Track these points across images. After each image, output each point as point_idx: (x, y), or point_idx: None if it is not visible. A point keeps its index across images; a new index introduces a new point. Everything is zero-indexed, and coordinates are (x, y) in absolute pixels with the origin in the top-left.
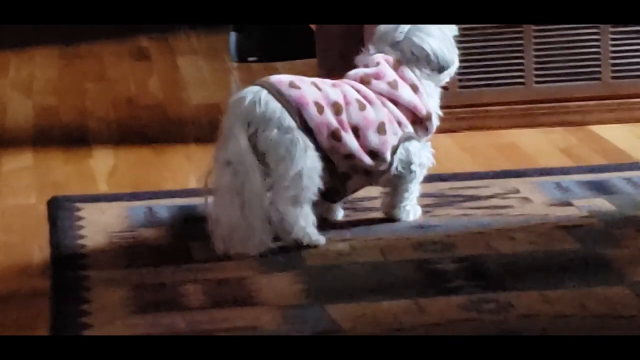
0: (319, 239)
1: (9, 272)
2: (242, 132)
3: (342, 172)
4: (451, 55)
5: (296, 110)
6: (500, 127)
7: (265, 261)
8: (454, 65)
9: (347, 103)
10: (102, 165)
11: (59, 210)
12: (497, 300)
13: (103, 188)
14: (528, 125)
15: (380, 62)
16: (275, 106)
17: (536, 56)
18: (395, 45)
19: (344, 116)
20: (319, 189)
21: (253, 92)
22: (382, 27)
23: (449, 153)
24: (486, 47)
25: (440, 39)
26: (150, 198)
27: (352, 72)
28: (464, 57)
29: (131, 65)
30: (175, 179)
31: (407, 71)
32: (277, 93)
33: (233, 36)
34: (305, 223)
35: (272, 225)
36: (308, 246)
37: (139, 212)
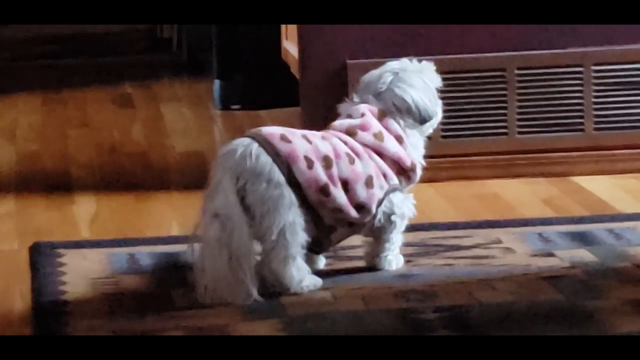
0: (316, 284)
1: None
2: (231, 185)
3: (328, 225)
4: (433, 106)
5: (286, 164)
6: (482, 177)
7: (247, 309)
8: (437, 117)
9: (337, 156)
10: (85, 212)
11: (41, 256)
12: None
13: (85, 234)
14: (510, 176)
15: (365, 112)
16: (265, 160)
17: (519, 107)
18: (378, 96)
19: (334, 170)
20: (305, 241)
21: (244, 145)
22: (366, 77)
23: (432, 203)
24: (469, 97)
25: (423, 90)
26: (132, 245)
27: (337, 123)
28: (447, 106)
29: (114, 112)
30: (158, 226)
31: (391, 122)
32: (268, 146)
33: (217, 84)
34: (300, 276)
35: (266, 282)
36: (292, 294)
37: (121, 259)
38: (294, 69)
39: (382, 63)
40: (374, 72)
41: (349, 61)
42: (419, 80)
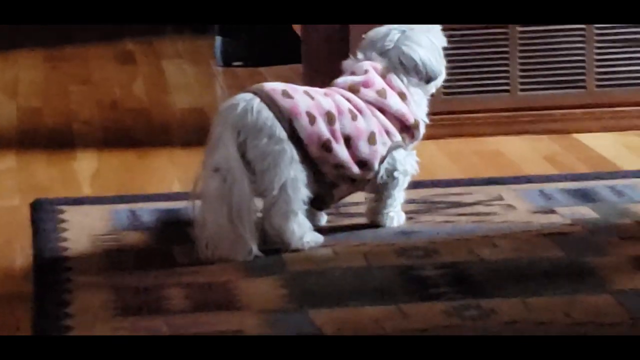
0: (318, 241)
1: None
2: (231, 139)
3: (330, 181)
4: (439, 65)
5: (288, 120)
6: (484, 135)
7: (248, 265)
8: (441, 76)
9: (339, 113)
10: (86, 168)
11: (42, 213)
12: (480, 306)
13: (87, 191)
14: (512, 133)
15: (368, 69)
16: (267, 115)
17: (521, 64)
18: (383, 53)
19: (336, 126)
20: (307, 197)
21: (245, 100)
22: (371, 34)
23: (434, 160)
24: (471, 54)
25: (429, 49)
26: (133, 201)
27: (340, 80)
28: (449, 64)
29: (116, 68)
30: (159, 183)
31: (394, 79)
32: (270, 102)
33: (218, 40)
34: (301, 232)
35: (269, 238)
36: (293, 250)
37: (122, 215)
38: (296, 26)
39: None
40: (380, 30)
41: None
42: (425, 39)
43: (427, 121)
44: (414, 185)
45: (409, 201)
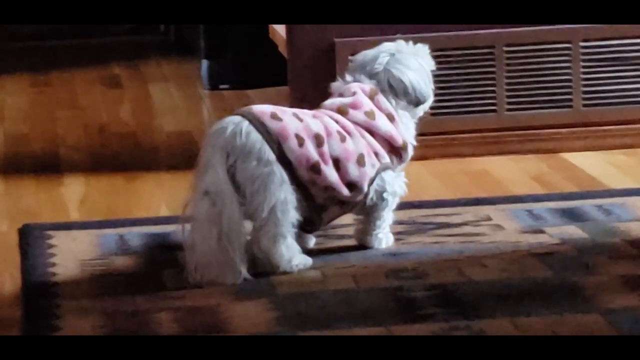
0: (306, 263)
1: None
2: (221, 162)
3: (319, 203)
4: (428, 89)
5: (277, 142)
6: (472, 155)
7: (237, 289)
8: (430, 99)
9: (328, 135)
10: (74, 193)
11: (30, 238)
12: (469, 327)
13: (74, 216)
14: (500, 153)
15: (356, 91)
16: (256, 138)
17: (508, 83)
18: (372, 76)
19: (325, 148)
20: (296, 219)
21: (234, 123)
22: (360, 57)
23: (422, 181)
24: (458, 75)
25: (418, 72)
26: (121, 226)
27: (328, 102)
28: (437, 84)
29: (103, 92)
30: (147, 207)
31: (383, 100)
32: (258, 124)
33: (205, 63)
34: (290, 255)
35: (258, 261)
36: (282, 273)
37: (110, 240)
38: (282, 48)
39: (370, 41)
40: (369, 52)
41: (336, 40)
42: (414, 62)
43: (415, 143)
44: (402, 206)
45: (397, 222)
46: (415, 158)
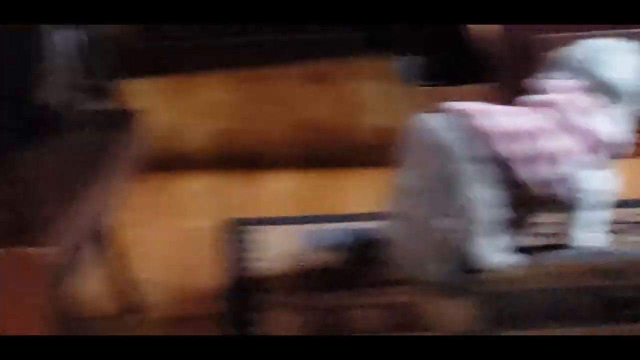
0: (511, 261)
1: (185, 294)
2: (423, 159)
3: (524, 201)
4: (636, 86)
5: (483, 139)
6: None
7: (439, 285)
8: (638, 96)
9: (533, 131)
10: (278, 189)
11: (235, 233)
12: None
13: (278, 211)
14: None
15: (563, 88)
16: (460, 135)
17: None
18: (579, 72)
19: (531, 145)
20: (502, 218)
21: (430, 120)
22: (566, 53)
23: (635, 178)
24: None
25: (625, 68)
26: (325, 221)
27: (532, 98)
28: None
29: (310, 89)
30: (351, 203)
31: (591, 98)
32: (463, 121)
33: (406, 60)
34: (494, 253)
35: (462, 258)
36: (483, 271)
37: (314, 235)
38: (485, 45)
39: (572, 37)
40: (574, 49)
41: (539, 36)
42: (621, 58)
43: (624, 140)
44: (613, 204)
45: (604, 221)
46: (631, 155)
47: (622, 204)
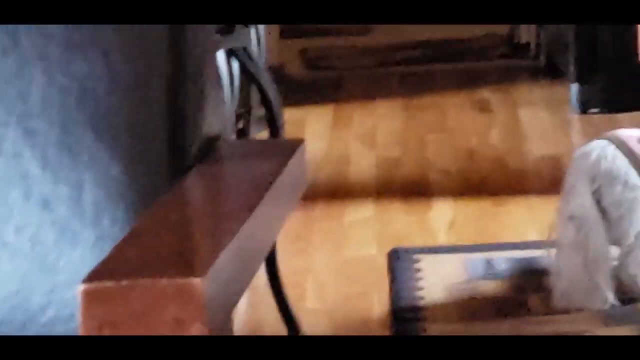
0: None
1: (350, 322)
2: (586, 187)
3: None
4: None
5: None
6: None
7: (604, 314)
8: None
9: None
10: (442, 217)
11: (399, 262)
12: None
13: (442, 239)
14: None
15: None
16: (622, 162)
17: None
18: None
19: None
20: None
21: (600, 147)
22: None
23: None
24: None
25: None
26: (489, 250)
27: None
28: None
29: (473, 116)
30: (515, 231)
31: None
32: (625, 148)
33: (575, 87)
34: None
35: (623, 287)
36: None
37: (477, 264)
38: None
39: None
40: None
41: None
42: None
43: None
44: None
45: None
46: None
47: None
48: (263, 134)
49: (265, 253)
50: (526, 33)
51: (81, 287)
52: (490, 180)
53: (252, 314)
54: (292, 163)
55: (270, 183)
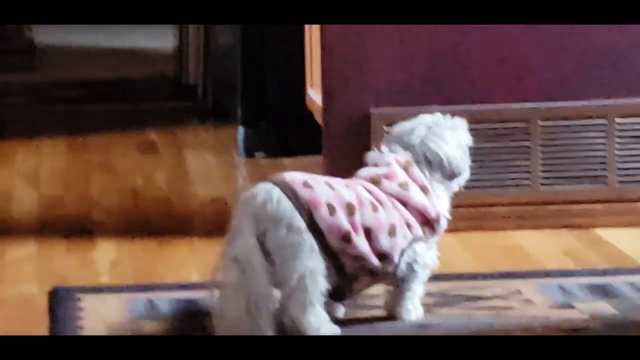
0: (335, 332)
1: None
2: (251, 229)
3: (350, 273)
4: (464, 163)
5: (307, 211)
6: (505, 228)
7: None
8: (465, 174)
9: (360, 204)
10: (105, 257)
11: (60, 301)
12: None
13: (105, 279)
14: (533, 227)
15: (391, 162)
16: (286, 205)
17: (543, 158)
18: (408, 148)
19: (356, 218)
20: (326, 288)
21: (265, 190)
22: (397, 129)
23: (453, 253)
24: (492, 148)
25: (455, 147)
26: (151, 290)
27: (362, 172)
28: (471, 157)
29: (138, 157)
30: (178, 272)
31: (417, 172)
32: (290, 192)
33: (241, 131)
34: (318, 324)
35: (285, 329)
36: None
37: (140, 304)
38: (318, 117)
39: (406, 112)
40: (406, 124)
41: (372, 110)
42: (451, 136)
43: (449, 216)
44: (433, 278)
45: (427, 294)
46: (449, 230)
47: (438, 278)
48: None
49: None
50: (194, 75)
51: None
52: (155, 221)
53: None
54: None
55: None
